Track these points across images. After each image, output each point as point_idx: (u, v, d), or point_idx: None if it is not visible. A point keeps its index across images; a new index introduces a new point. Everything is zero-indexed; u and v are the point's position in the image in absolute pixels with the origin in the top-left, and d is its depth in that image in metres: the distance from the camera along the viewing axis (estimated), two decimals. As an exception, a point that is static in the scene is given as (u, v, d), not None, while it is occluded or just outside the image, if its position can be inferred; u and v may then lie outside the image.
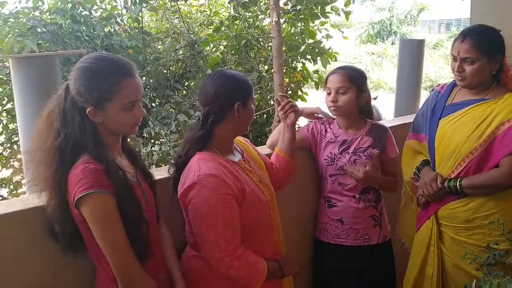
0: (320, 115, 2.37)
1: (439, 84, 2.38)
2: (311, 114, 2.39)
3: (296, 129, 2.46)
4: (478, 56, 2.03)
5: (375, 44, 24.43)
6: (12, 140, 4.60)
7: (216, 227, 1.64)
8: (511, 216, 2.04)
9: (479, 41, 2.04)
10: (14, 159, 4.66)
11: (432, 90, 2.40)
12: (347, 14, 5.19)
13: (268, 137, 2.56)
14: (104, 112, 1.51)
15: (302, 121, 2.59)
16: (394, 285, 2.41)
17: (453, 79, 2.25)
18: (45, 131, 1.52)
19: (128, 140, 1.83)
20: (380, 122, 2.74)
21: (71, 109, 1.50)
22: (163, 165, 3.82)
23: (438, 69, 18.67)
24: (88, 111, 1.49)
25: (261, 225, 1.82)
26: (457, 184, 2.09)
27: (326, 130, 2.34)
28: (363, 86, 2.27)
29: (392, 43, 23.43)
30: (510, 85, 2.14)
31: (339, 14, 5.20)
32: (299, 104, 2.49)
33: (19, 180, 4.69)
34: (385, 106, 6.54)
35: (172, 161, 1.89)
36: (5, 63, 4.36)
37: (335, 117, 2.36)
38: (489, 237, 2.04)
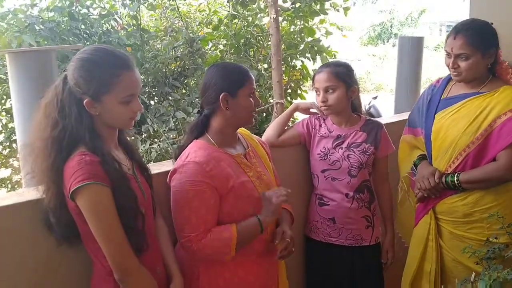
0: (315, 110, 2.36)
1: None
2: (307, 109, 2.38)
3: (291, 124, 2.45)
4: (471, 51, 2.01)
5: (376, 46, 24.42)
6: (12, 139, 4.58)
7: (183, 212, 1.69)
8: (510, 209, 2.03)
9: (472, 36, 2.01)
10: (14, 159, 4.64)
11: None
12: (346, 9, 5.19)
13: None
14: (101, 104, 1.49)
15: (299, 117, 2.57)
16: (383, 285, 2.39)
17: (449, 74, 2.24)
18: (43, 122, 1.50)
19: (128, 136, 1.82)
20: (375, 118, 2.72)
21: (68, 100, 1.48)
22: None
23: (439, 70, 18.63)
24: (85, 103, 1.47)
25: None
26: (455, 179, 2.07)
27: (320, 125, 2.31)
28: (351, 80, 2.23)
29: (393, 45, 23.39)
30: (505, 76, 2.13)
31: (338, 10, 5.20)
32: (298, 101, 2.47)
33: (18, 180, 4.67)
34: (386, 107, 6.51)
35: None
36: (4, 62, 4.35)
37: None
38: (487, 230, 2.03)
